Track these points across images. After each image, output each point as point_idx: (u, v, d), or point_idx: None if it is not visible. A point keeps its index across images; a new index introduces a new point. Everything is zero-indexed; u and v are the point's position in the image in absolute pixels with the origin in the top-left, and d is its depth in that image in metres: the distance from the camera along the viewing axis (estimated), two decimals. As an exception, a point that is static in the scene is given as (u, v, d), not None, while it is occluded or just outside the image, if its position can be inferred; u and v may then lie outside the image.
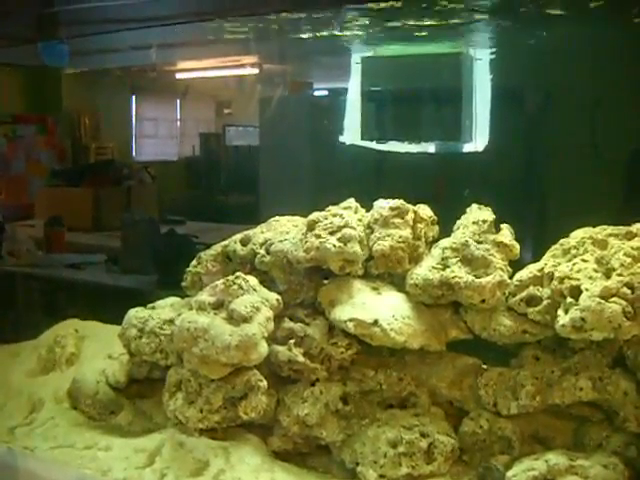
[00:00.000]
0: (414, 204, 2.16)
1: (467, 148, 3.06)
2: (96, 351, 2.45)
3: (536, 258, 2.04)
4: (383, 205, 2.13)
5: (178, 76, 5.53)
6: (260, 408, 1.97)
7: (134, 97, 5.71)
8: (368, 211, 2.18)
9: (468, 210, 2.14)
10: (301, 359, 2.00)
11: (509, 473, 1.80)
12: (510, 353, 2.03)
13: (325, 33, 2.90)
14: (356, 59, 3.14)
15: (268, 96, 3.72)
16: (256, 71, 4.02)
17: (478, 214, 2.10)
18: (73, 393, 2.27)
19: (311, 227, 2.07)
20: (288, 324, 2.07)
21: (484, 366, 2.06)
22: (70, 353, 2.50)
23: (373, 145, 3.24)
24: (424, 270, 2.01)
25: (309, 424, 1.97)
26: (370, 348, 2.01)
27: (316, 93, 3.52)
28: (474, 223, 2.07)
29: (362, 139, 3.24)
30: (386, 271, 2.09)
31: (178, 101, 5.91)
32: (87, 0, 2.96)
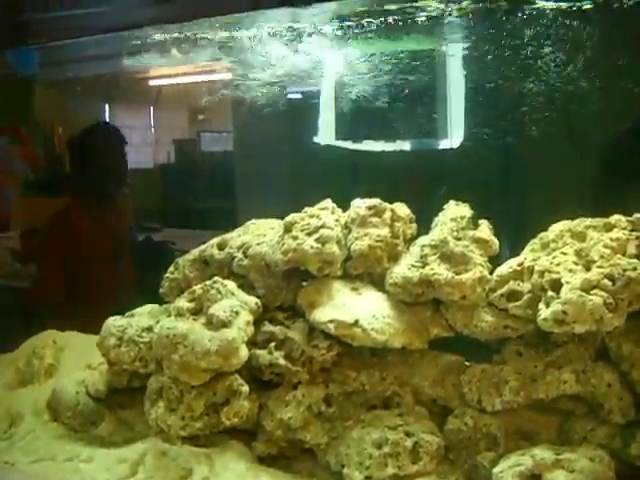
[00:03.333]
0: (391, 202, 2.15)
1: (442, 145, 3.05)
2: (75, 362, 2.43)
3: (516, 253, 2.04)
4: (360, 205, 2.12)
5: (151, 83, 5.49)
6: (243, 413, 1.96)
7: (107, 105, 5.67)
8: (346, 211, 2.17)
9: (446, 207, 2.14)
10: (282, 362, 1.99)
11: (495, 470, 1.79)
12: (493, 349, 2.02)
13: (297, 32, 2.88)
14: (329, 58, 3.13)
15: (241, 100, 3.69)
16: (229, 76, 3.99)
17: (456, 210, 2.09)
18: (53, 405, 2.24)
19: (288, 229, 2.05)
20: (268, 327, 2.05)
21: (467, 363, 2.05)
22: (48, 364, 2.47)
23: (348, 145, 3.23)
24: (403, 269, 2.00)
25: (293, 428, 1.95)
26: (352, 349, 2.00)
27: (290, 94, 3.50)
28: (452, 220, 2.06)
29: (336, 139, 3.23)
30: (365, 271, 2.08)
31: (152, 108, 5.86)
32: (57, 8, 2.94)
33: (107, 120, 5.52)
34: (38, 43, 3.04)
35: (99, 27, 2.94)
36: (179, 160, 6.10)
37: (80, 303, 3.57)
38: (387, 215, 2.10)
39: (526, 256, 1.99)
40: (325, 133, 3.39)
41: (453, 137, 3.19)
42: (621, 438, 1.85)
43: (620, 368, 1.88)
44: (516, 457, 1.79)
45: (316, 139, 3.53)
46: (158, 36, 3.09)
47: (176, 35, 3.01)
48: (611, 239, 1.87)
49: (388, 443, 1.87)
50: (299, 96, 3.64)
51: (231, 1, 2.56)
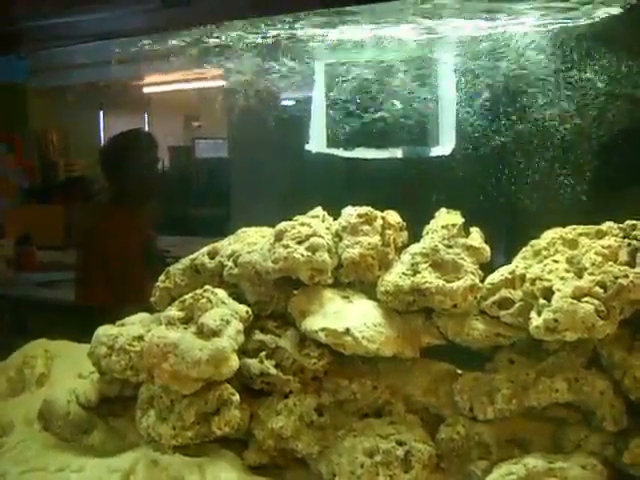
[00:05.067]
0: (382, 210, 2.14)
1: (434, 152, 3.06)
2: (66, 371, 2.41)
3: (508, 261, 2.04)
4: (351, 212, 2.11)
5: (146, 90, 5.50)
6: (234, 422, 1.95)
7: (101, 112, 5.68)
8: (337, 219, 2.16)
9: (437, 214, 2.13)
10: (273, 371, 1.98)
11: (488, 478, 1.79)
12: (485, 357, 2.02)
13: (288, 40, 2.89)
14: (320, 65, 3.14)
15: (236, 107, 3.70)
16: (223, 83, 4.00)
17: (447, 218, 2.09)
18: (44, 414, 2.23)
19: (279, 237, 2.05)
20: (259, 336, 2.05)
21: (459, 371, 2.04)
22: (40, 374, 2.46)
23: (339, 152, 3.23)
24: (394, 277, 2.00)
25: (284, 437, 1.94)
26: (343, 358, 1.99)
27: (283, 102, 3.51)
28: (443, 227, 2.05)
29: (327, 147, 3.23)
30: (356, 279, 2.08)
31: (146, 115, 5.87)
32: (49, 16, 2.94)
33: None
34: (29, 51, 3.04)
35: (96, 34, 2.95)
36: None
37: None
38: (378, 223, 2.10)
39: (518, 264, 1.99)
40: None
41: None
42: (614, 446, 1.84)
43: (612, 376, 1.87)
44: (508, 466, 1.79)
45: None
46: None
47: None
48: (603, 246, 1.87)
49: (380, 452, 1.87)
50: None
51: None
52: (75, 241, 4.54)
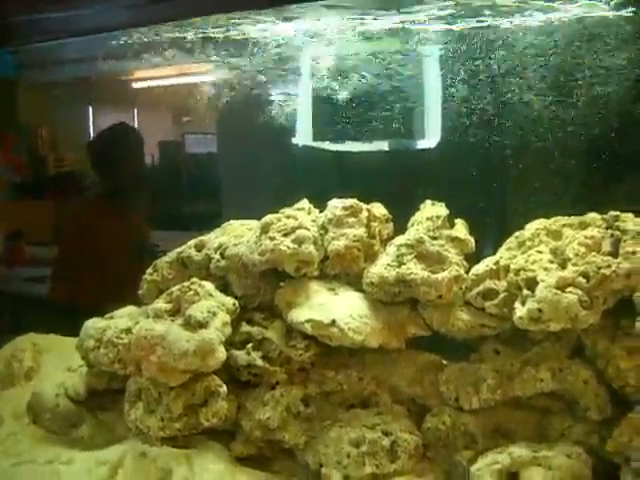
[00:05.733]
0: (367, 203, 2.15)
1: (420, 145, 3.06)
2: (55, 364, 2.43)
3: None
4: (336, 205, 2.12)
5: (135, 85, 5.49)
6: (221, 414, 1.96)
7: (90, 108, 5.66)
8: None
9: (422, 206, 2.14)
10: (260, 363, 2.00)
11: (473, 468, 1.80)
12: (470, 348, 2.03)
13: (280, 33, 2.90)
14: (306, 59, 3.15)
15: (225, 102, 3.70)
16: (213, 78, 4.00)
17: (432, 210, 2.10)
18: (33, 408, 2.24)
19: (265, 229, 2.06)
20: (246, 328, 2.06)
21: (445, 362, 2.05)
22: (28, 367, 2.47)
23: (325, 145, 3.23)
24: (380, 268, 2.01)
25: (271, 428, 1.95)
26: (330, 349, 2.00)
27: (270, 96, 3.51)
28: (428, 219, 2.07)
29: (314, 140, 3.24)
30: (342, 271, 2.09)
31: (136, 110, 5.86)
32: (37, 10, 2.94)
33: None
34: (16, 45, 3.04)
35: (82, 29, 2.95)
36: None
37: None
38: (363, 215, 2.11)
39: (502, 255, 2.00)
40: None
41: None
42: (598, 435, 1.85)
43: (596, 365, 1.89)
44: (494, 455, 1.81)
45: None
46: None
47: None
48: (586, 237, 1.88)
49: (366, 442, 1.88)
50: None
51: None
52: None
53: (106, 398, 2.22)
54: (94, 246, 4.03)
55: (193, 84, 4.29)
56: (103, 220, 4.12)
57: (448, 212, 2.09)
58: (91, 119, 5.71)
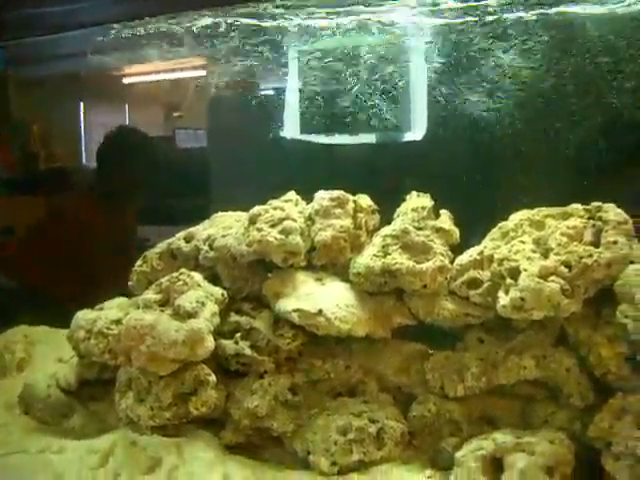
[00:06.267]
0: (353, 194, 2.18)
1: (407, 137, 3.07)
2: (47, 356, 2.44)
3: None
4: (323, 196, 2.15)
5: (126, 80, 5.49)
6: (210, 403, 1.98)
7: (82, 103, 5.66)
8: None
9: (407, 197, 2.17)
10: (248, 352, 2.02)
11: (458, 454, 1.82)
12: (455, 337, 2.06)
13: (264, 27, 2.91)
14: (293, 53, 3.15)
15: (215, 97, 3.71)
16: (203, 72, 4.01)
17: (417, 201, 2.12)
18: (25, 398, 2.26)
19: (253, 221, 2.08)
20: (234, 318, 2.08)
21: (431, 351, 2.08)
22: (20, 359, 2.49)
23: (312, 138, 3.24)
24: (366, 259, 2.03)
25: (259, 416, 1.98)
26: (317, 338, 2.03)
27: (260, 90, 3.52)
28: (413, 210, 2.09)
29: (301, 133, 3.25)
30: (329, 261, 2.12)
31: (127, 106, 5.86)
32: (28, 5, 2.95)
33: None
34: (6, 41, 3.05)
35: (74, 24, 2.96)
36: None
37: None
38: (350, 206, 2.13)
39: (486, 245, 2.02)
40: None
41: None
42: (581, 421, 1.88)
43: (578, 353, 1.92)
44: (478, 441, 1.83)
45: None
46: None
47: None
48: (568, 227, 1.91)
49: (353, 430, 1.91)
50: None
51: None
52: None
53: (97, 388, 2.24)
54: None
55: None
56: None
57: (433, 203, 2.12)
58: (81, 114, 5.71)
